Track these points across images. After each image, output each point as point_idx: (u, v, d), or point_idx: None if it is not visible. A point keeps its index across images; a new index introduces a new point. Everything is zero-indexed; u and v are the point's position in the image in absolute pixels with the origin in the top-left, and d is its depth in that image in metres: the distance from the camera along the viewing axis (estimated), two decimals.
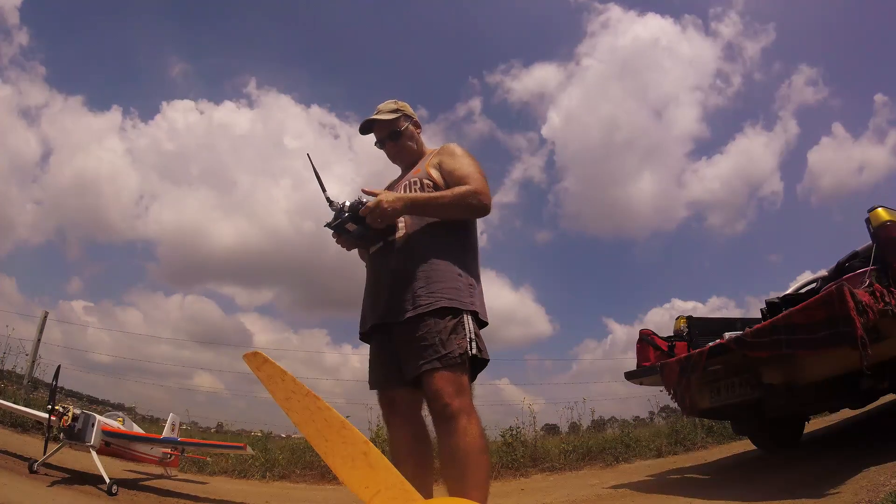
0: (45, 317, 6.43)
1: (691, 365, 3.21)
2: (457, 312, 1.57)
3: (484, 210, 1.68)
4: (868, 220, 2.91)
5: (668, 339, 3.95)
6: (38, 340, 6.31)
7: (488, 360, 1.62)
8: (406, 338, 1.57)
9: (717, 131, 34.99)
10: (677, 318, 4.10)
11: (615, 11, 35.28)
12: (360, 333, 1.78)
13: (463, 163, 1.72)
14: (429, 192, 1.69)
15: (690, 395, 3.35)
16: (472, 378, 1.60)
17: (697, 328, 3.97)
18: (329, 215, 1.66)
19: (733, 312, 9.77)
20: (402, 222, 1.69)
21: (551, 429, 7.28)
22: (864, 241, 3.06)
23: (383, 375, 1.68)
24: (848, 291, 2.35)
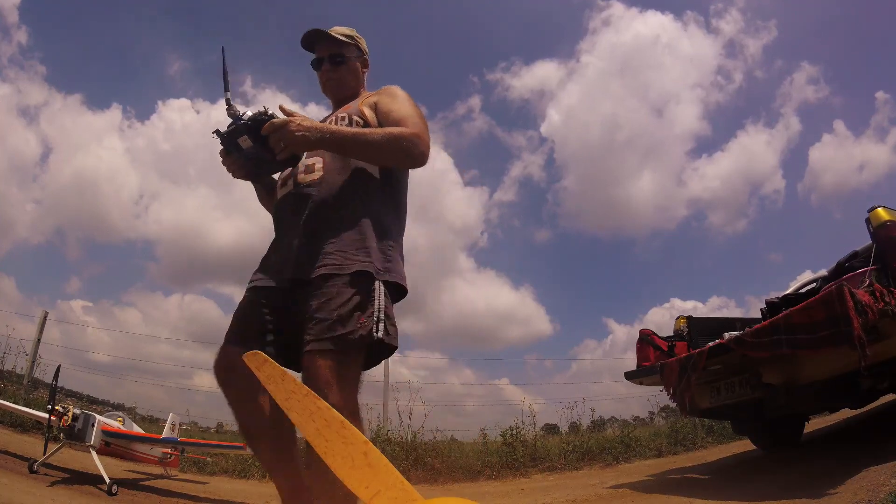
0: (45, 317, 6.43)
1: (691, 365, 3.21)
2: (368, 282, 1.29)
3: (420, 158, 1.42)
4: (868, 220, 2.92)
5: (668, 339, 3.95)
6: (38, 340, 6.31)
7: (396, 347, 1.33)
8: (300, 304, 1.29)
9: (718, 129, 34.97)
10: (677, 318, 4.11)
11: (617, 8, 35.27)
12: (250, 286, 1.43)
13: (403, 104, 1.48)
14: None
15: (690, 395, 3.35)
16: (371, 365, 1.34)
17: (697, 328, 3.97)
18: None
19: (733, 312, 9.78)
20: (319, 163, 1.42)
21: (551, 429, 7.28)
22: (864, 240, 3.06)
23: (246, 333, 1.34)
24: (848, 291, 2.35)
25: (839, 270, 3.26)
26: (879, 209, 2.89)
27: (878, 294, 2.46)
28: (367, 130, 1.40)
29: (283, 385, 0.96)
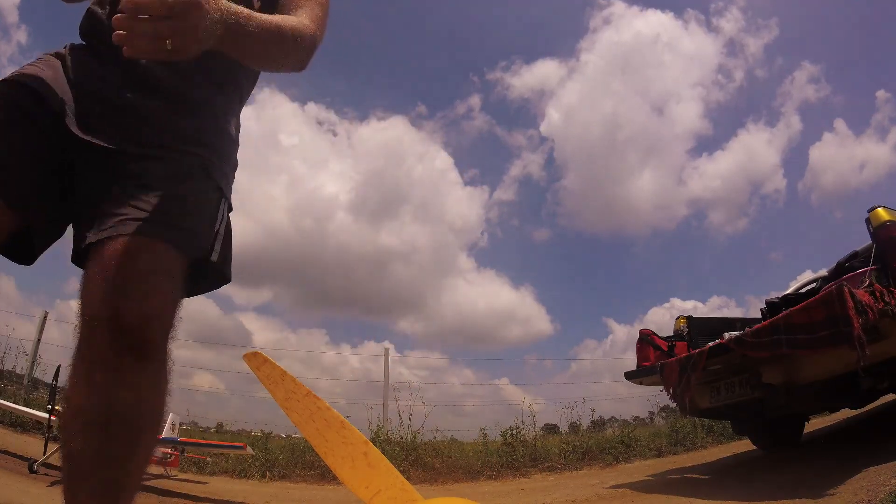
0: (45, 317, 6.44)
1: (691, 365, 3.21)
2: (219, 195, 0.99)
3: (304, 65, 1.05)
4: (868, 220, 2.92)
5: (668, 339, 3.96)
6: (38, 340, 6.32)
7: (229, 280, 1.02)
8: (128, 172, 0.88)
9: (719, 128, 35.10)
10: (677, 318, 4.11)
11: (618, 7, 35.40)
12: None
13: None
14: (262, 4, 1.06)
15: (690, 395, 3.35)
16: (193, 293, 0.99)
17: (697, 328, 3.98)
18: None
19: (733, 312, 9.81)
20: None
21: (551, 429, 7.29)
22: (864, 240, 3.07)
23: (15, 176, 0.85)
24: (847, 291, 2.36)
25: (839, 270, 3.26)
26: (879, 209, 2.89)
27: (878, 294, 2.46)
28: (279, 20, 0.93)
29: (283, 385, 0.97)
